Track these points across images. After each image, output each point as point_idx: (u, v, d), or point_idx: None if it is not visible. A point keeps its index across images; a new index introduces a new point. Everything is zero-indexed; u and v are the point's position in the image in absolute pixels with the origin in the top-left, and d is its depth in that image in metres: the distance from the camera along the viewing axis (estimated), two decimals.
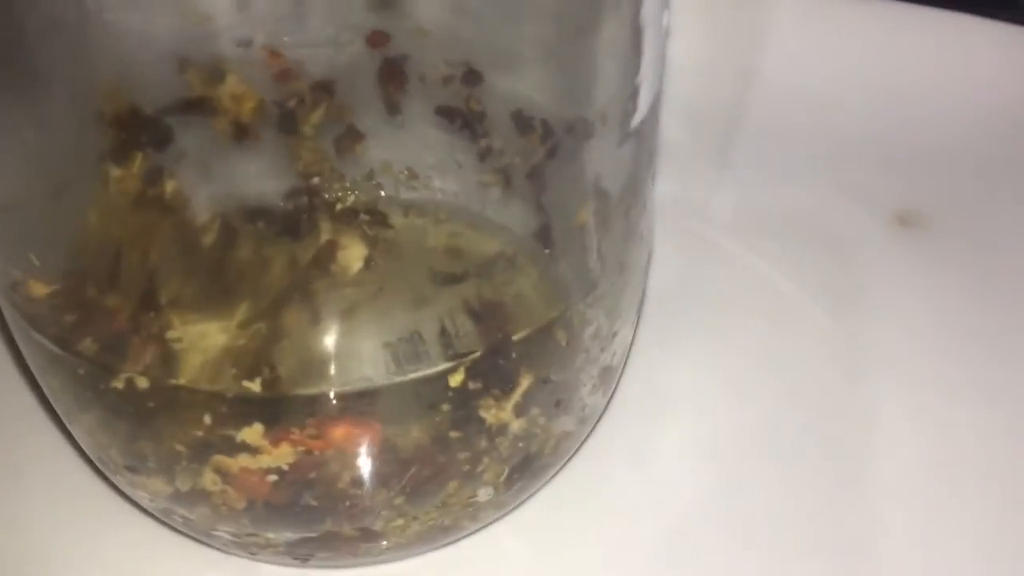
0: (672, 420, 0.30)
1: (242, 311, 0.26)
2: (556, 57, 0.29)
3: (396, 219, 0.30)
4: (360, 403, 0.23)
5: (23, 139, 0.24)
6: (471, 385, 0.23)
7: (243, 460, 0.23)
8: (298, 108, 0.32)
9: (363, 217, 0.30)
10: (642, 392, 0.30)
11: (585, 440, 0.29)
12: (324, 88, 0.32)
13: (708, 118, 0.38)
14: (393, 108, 0.32)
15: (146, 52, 0.29)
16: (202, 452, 0.23)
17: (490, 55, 0.31)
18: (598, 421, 0.29)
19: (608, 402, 0.29)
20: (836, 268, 0.34)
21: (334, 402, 0.23)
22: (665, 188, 0.33)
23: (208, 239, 0.28)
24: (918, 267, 0.35)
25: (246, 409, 0.23)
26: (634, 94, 0.23)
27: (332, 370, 0.25)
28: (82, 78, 0.28)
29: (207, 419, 0.23)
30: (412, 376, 0.23)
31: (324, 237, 0.29)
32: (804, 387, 0.31)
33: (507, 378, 0.24)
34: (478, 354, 0.23)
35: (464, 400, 0.24)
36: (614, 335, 0.26)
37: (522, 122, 0.31)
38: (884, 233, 0.36)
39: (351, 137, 0.32)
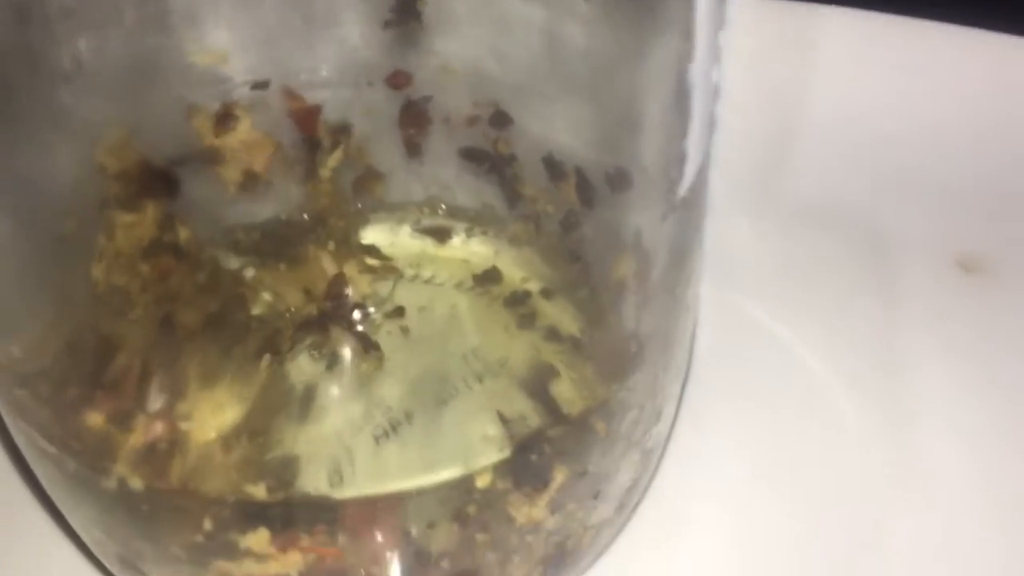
0: (706, 504, 0.28)
1: (252, 395, 0.24)
2: (592, 102, 0.27)
3: (417, 294, 0.28)
4: (377, 507, 0.21)
5: (5, 222, 0.22)
6: (500, 485, 0.21)
7: (248, 567, 0.21)
8: (315, 151, 0.30)
9: (380, 305, 0.28)
10: (677, 473, 0.28)
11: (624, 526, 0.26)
12: (341, 130, 0.30)
13: (749, 158, 0.35)
14: (414, 150, 0.30)
15: (155, 100, 0.27)
16: (203, 557, 0.21)
17: (521, 97, 0.28)
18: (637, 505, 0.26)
19: (649, 484, 0.26)
20: (889, 324, 0.32)
21: (349, 506, 0.21)
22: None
23: (212, 309, 0.26)
24: (981, 318, 0.32)
25: (250, 513, 0.21)
26: (680, 159, 0.20)
27: (346, 472, 0.23)
28: (80, 133, 0.26)
29: (207, 524, 0.21)
30: (436, 479, 0.21)
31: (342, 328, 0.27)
32: (846, 472, 0.28)
33: (540, 475, 0.21)
34: (508, 452, 0.21)
35: (492, 501, 0.21)
36: (657, 417, 0.24)
37: (553, 167, 0.28)
38: (944, 280, 0.33)
39: (370, 178, 0.30)
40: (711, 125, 0.20)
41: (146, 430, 0.23)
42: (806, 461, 0.28)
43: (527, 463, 0.21)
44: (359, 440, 0.25)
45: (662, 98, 0.21)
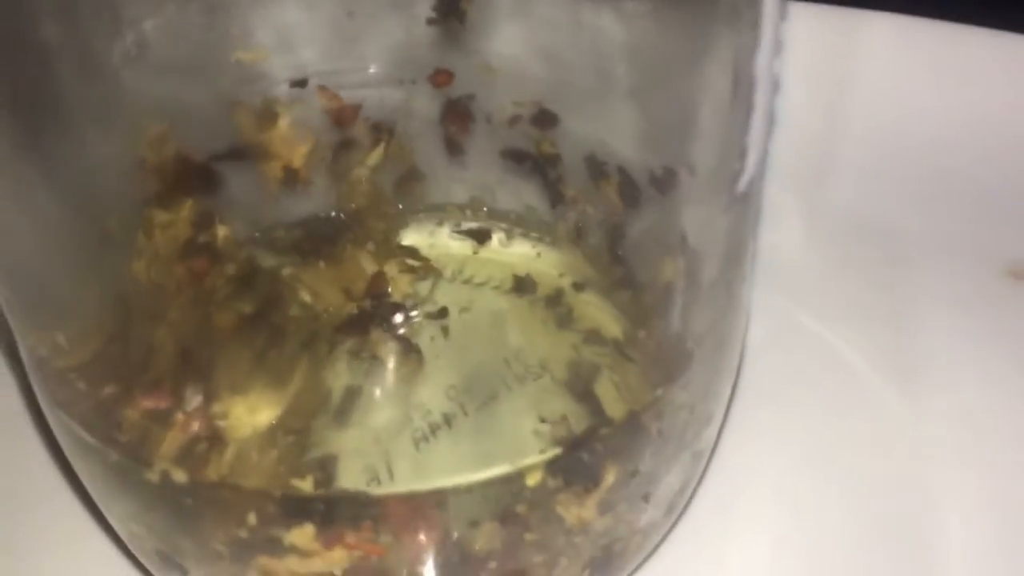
0: (754, 507, 0.27)
1: (289, 396, 0.23)
2: (640, 100, 0.26)
3: (457, 295, 0.28)
4: (424, 504, 0.20)
5: (53, 212, 0.22)
6: (550, 483, 0.21)
7: (291, 564, 0.21)
8: (354, 149, 0.29)
9: (425, 299, 0.27)
10: (724, 476, 0.27)
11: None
12: (383, 129, 0.29)
13: (795, 164, 0.35)
14: (456, 149, 0.30)
15: (196, 96, 0.27)
16: (245, 553, 0.21)
17: (566, 95, 0.28)
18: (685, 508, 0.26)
19: (698, 486, 0.26)
20: (937, 330, 0.31)
21: (395, 503, 0.20)
22: None
23: (250, 310, 0.26)
24: None
25: (295, 508, 0.20)
26: (742, 153, 0.20)
27: (383, 474, 0.22)
28: (125, 127, 0.26)
29: (251, 519, 0.20)
30: (485, 475, 0.20)
31: (382, 329, 0.26)
32: (896, 472, 0.28)
33: (591, 474, 0.21)
34: (560, 450, 0.20)
35: (542, 500, 0.21)
36: (708, 419, 0.23)
37: (595, 167, 0.28)
38: (994, 288, 0.32)
39: (411, 178, 0.30)
40: (771, 119, 0.20)
41: (184, 428, 0.23)
42: (854, 462, 0.28)
43: (578, 461, 0.21)
44: (398, 442, 0.25)
45: (719, 92, 0.21)
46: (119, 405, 0.23)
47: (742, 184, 0.20)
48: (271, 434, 0.24)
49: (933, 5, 0.37)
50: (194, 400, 0.23)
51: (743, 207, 0.21)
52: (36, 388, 0.22)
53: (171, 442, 0.22)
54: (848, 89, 0.37)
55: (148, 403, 0.23)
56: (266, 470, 0.22)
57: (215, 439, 0.23)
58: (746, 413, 0.28)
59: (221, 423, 0.23)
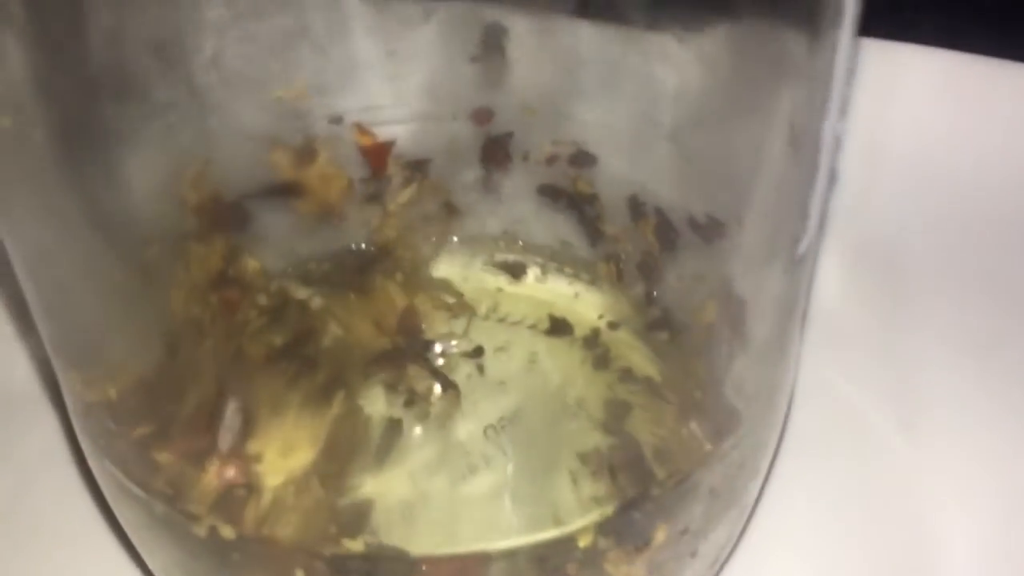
0: (792, 558, 0.27)
1: (314, 446, 0.23)
2: (682, 147, 0.26)
3: (493, 334, 0.27)
4: (476, 567, 0.20)
5: (94, 246, 0.22)
6: (601, 544, 0.20)
7: None
8: (387, 185, 0.29)
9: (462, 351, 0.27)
10: (764, 525, 0.27)
11: None
12: (417, 165, 0.29)
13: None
14: (493, 186, 0.30)
15: (233, 133, 0.27)
16: None
17: (607, 137, 0.28)
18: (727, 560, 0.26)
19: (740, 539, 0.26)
20: (954, 376, 0.31)
21: (442, 563, 0.20)
22: None
23: (281, 342, 0.26)
24: None
25: (345, 568, 0.20)
26: (803, 216, 0.19)
27: (433, 513, 0.22)
28: (166, 162, 0.26)
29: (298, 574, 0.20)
30: (534, 539, 0.20)
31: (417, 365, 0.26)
32: (930, 533, 0.27)
33: (642, 534, 0.21)
34: (612, 511, 0.20)
35: (592, 560, 0.21)
36: (756, 472, 0.23)
37: (636, 208, 0.28)
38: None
39: (446, 212, 0.30)
40: (833, 180, 0.20)
41: (220, 473, 0.23)
42: (888, 517, 0.27)
43: (630, 521, 0.21)
44: (436, 484, 0.24)
45: (775, 147, 0.20)
46: (155, 447, 0.22)
47: (802, 247, 0.20)
48: (307, 476, 0.23)
49: (961, 38, 0.37)
50: (228, 437, 0.23)
51: (800, 268, 0.21)
52: (80, 435, 0.22)
53: (207, 487, 0.22)
54: (886, 122, 0.36)
55: (183, 443, 0.23)
56: (306, 514, 0.22)
57: (249, 485, 0.23)
58: (784, 463, 0.28)
59: (257, 467, 0.23)
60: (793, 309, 0.21)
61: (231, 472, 0.23)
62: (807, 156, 0.19)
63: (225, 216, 0.27)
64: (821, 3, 0.18)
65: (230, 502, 0.22)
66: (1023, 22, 0.37)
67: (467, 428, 0.26)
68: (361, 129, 0.29)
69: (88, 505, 0.27)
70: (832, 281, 0.32)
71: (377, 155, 0.29)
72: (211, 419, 0.24)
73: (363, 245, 0.29)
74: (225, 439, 0.23)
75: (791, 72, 0.19)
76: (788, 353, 0.22)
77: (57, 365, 0.22)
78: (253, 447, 0.23)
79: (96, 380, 0.22)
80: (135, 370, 0.23)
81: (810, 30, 0.18)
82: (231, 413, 0.24)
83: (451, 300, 0.29)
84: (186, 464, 0.22)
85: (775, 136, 0.20)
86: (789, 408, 0.24)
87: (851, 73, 0.19)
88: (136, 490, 0.21)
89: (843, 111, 0.19)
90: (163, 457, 0.22)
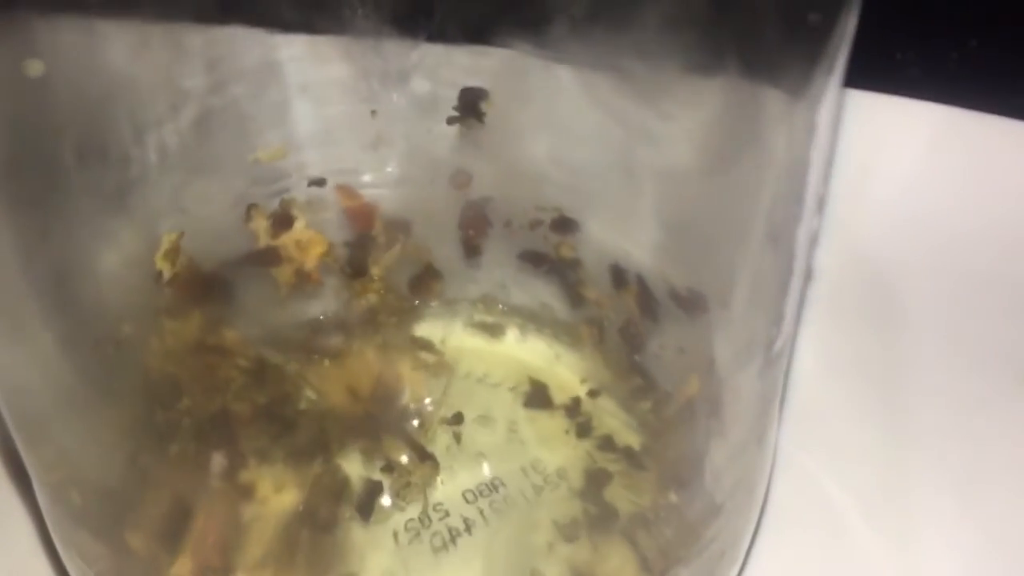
0: None
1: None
2: (664, 220, 0.26)
3: (472, 397, 0.27)
4: None
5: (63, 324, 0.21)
6: None
7: None
8: (370, 248, 0.29)
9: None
10: None
11: None
12: (400, 227, 0.29)
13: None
14: (473, 251, 0.29)
15: (211, 197, 0.27)
16: None
17: (589, 204, 0.28)
18: None
19: None
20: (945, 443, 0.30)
21: None
22: None
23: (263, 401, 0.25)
24: None
25: None
26: (778, 319, 0.19)
27: None
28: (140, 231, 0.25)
29: None
30: None
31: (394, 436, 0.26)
32: None
33: None
34: None
35: None
36: (735, 560, 0.23)
37: (617, 275, 0.28)
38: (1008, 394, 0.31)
39: (428, 276, 0.30)
40: (808, 275, 0.19)
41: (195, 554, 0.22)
42: None
43: None
44: (416, 550, 0.24)
45: (753, 238, 0.20)
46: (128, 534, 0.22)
47: (776, 347, 0.19)
48: (287, 545, 0.23)
49: (961, 94, 0.36)
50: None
51: (776, 364, 0.20)
52: (52, 530, 0.22)
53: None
54: (881, 177, 0.35)
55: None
56: None
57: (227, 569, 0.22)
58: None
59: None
60: (770, 402, 0.21)
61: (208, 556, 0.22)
62: (783, 256, 0.19)
63: (202, 289, 0.26)
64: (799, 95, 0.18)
65: None
66: (1012, 77, 0.37)
67: (447, 492, 0.25)
68: (346, 190, 0.28)
69: None
70: (810, 353, 0.32)
71: (363, 217, 0.29)
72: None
73: (341, 311, 0.29)
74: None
75: (771, 160, 0.19)
76: (766, 444, 0.22)
77: (26, 457, 0.22)
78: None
79: (67, 467, 0.21)
80: (113, 455, 0.23)
81: (788, 127, 0.18)
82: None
83: (431, 359, 0.28)
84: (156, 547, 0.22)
85: (754, 221, 0.20)
86: (768, 491, 0.24)
87: (827, 175, 0.18)
88: None
89: (820, 210, 0.18)
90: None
